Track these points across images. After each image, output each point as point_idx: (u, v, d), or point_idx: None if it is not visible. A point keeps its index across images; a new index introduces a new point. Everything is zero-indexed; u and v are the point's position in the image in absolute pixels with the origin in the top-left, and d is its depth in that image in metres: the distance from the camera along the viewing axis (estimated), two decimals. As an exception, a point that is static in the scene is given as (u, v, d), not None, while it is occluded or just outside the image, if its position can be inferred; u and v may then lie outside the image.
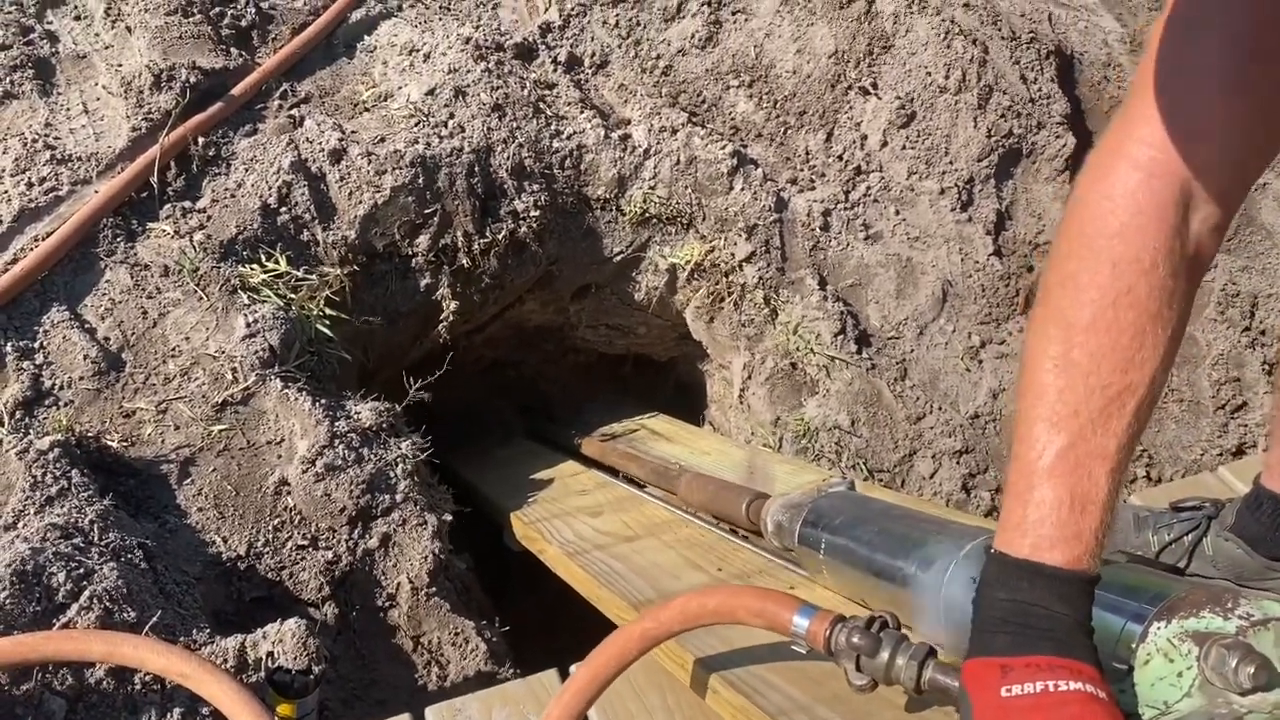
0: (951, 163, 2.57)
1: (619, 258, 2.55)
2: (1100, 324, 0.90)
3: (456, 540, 2.35)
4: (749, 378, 2.53)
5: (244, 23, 2.52)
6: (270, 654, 1.48)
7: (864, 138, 2.61)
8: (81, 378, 1.90)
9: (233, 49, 2.45)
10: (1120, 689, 0.89)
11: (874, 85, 2.62)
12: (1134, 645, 0.91)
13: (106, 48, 2.39)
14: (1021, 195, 2.59)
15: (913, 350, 2.39)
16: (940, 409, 2.29)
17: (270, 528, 1.81)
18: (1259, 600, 0.89)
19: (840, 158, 2.60)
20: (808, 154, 2.61)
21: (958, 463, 2.22)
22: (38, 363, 1.89)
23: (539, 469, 2.45)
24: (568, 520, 1.98)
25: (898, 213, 2.54)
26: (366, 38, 2.64)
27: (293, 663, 1.46)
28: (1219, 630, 0.87)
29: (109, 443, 1.84)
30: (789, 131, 2.63)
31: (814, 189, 2.56)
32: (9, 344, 1.89)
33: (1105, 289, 0.90)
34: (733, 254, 2.47)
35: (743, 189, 2.49)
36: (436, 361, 2.54)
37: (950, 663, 0.97)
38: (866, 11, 2.67)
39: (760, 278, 2.44)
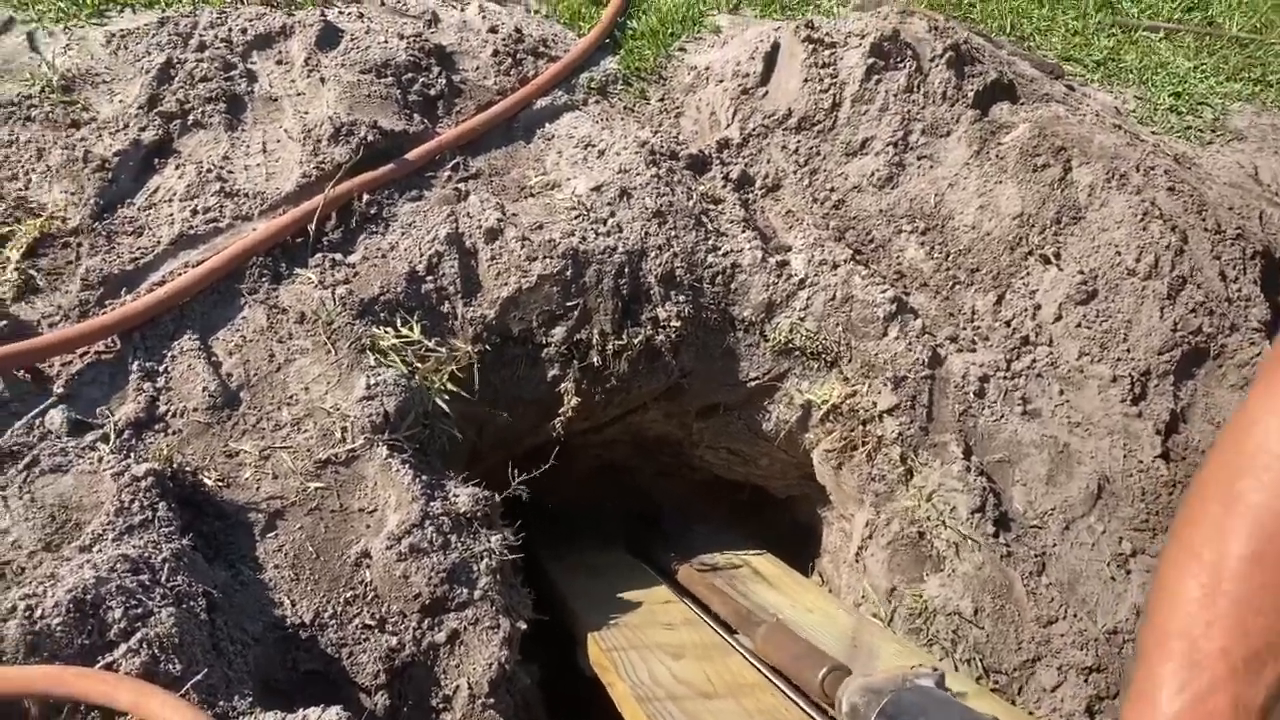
0: (1129, 350, 2.37)
1: (753, 383, 2.44)
2: (1270, 558, 0.78)
3: (529, 646, 2.23)
4: (869, 537, 2.35)
5: (432, 91, 2.57)
6: (301, 744, 1.39)
7: (1037, 307, 2.45)
8: (195, 409, 1.89)
9: (416, 115, 2.49)
10: None
11: (1056, 255, 2.47)
12: None
13: (298, 94, 2.46)
14: (1201, 398, 2.37)
15: (1055, 545, 2.17)
16: (1076, 616, 2.06)
17: (342, 600, 1.73)
18: None
19: (1008, 323, 2.44)
20: (974, 313, 2.46)
21: (1085, 680, 1.98)
22: (158, 386, 1.90)
23: (629, 588, 2.32)
24: (645, 655, 1.84)
25: (1061, 393, 2.35)
26: (547, 125, 2.65)
27: (325, 757, 1.36)
28: None
29: (205, 480, 1.81)
30: (957, 287, 2.49)
31: (974, 351, 2.40)
32: (136, 363, 1.90)
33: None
34: (874, 403, 2.32)
35: (897, 337, 2.35)
36: (548, 454, 2.46)
37: None
38: (1061, 178, 2.53)
39: (900, 433, 2.29)
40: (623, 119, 2.69)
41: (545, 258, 2.20)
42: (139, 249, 2.05)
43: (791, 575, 2.48)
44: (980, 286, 2.48)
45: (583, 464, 2.74)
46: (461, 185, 2.38)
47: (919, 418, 2.29)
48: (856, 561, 2.40)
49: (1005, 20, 3.53)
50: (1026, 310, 2.44)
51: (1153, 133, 3.14)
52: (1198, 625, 0.78)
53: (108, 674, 1.28)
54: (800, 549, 2.77)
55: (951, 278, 2.50)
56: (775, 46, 2.70)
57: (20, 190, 2.12)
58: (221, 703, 1.44)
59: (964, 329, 2.43)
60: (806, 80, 2.64)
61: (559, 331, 2.24)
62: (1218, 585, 0.78)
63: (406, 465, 1.88)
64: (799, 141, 2.64)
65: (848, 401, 2.36)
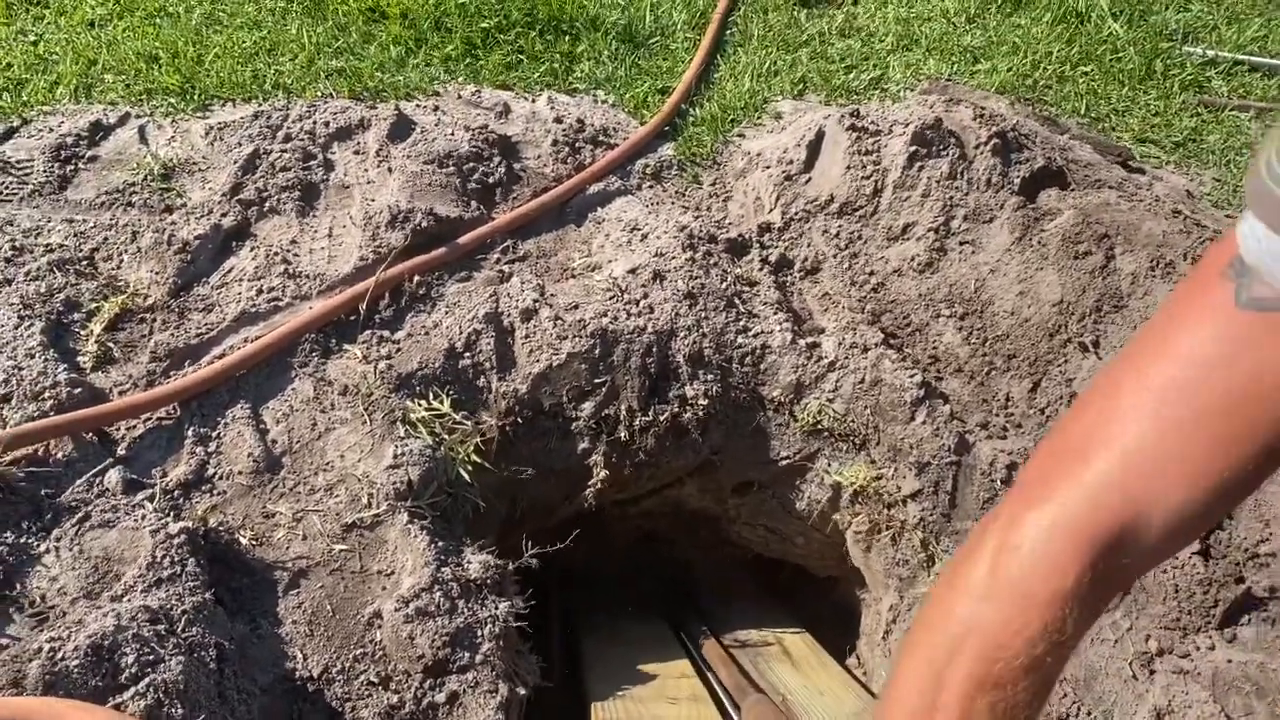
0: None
1: (785, 462, 2.48)
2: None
3: (551, 711, 2.31)
4: (894, 621, 2.35)
5: (491, 180, 2.75)
6: (283, 789, 1.50)
7: (1073, 395, 2.42)
8: (240, 472, 2.07)
9: (473, 201, 2.67)
10: None
11: (1095, 344, 2.44)
12: None
13: (369, 183, 2.67)
14: (1251, 495, 2.28)
15: (1075, 639, 2.13)
16: (1090, 715, 2.01)
17: (351, 657, 1.86)
18: None
19: (1042, 411, 2.42)
20: (1008, 400, 2.45)
21: (1095, 785, 1.93)
22: (209, 450, 2.09)
23: (651, 659, 2.38)
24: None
25: (1094, 482, 2.31)
26: (599, 209, 2.79)
27: (297, 805, 1.47)
28: None
29: (241, 539, 1.98)
30: (992, 373, 2.49)
31: (1005, 438, 2.39)
32: (191, 428, 2.10)
33: None
34: (899, 486, 2.34)
35: (924, 422, 2.37)
36: (589, 521, 2.56)
37: None
38: (1104, 266, 2.50)
39: (922, 518, 2.29)
40: (670, 203, 2.81)
41: (575, 336, 2.32)
42: (206, 325, 2.27)
43: (819, 656, 2.48)
44: (1016, 373, 2.47)
45: (624, 535, 2.82)
46: (507, 267, 2.53)
47: (942, 503, 2.29)
48: (884, 644, 2.40)
49: (1081, 102, 3.50)
50: (1061, 398, 2.41)
51: (1227, 215, 3.06)
52: None
53: (96, 708, 1.43)
54: (841, 630, 2.77)
55: (987, 363, 2.50)
56: (820, 134, 2.78)
57: (113, 269, 2.38)
58: (219, 750, 1.57)
59: (996, 415, 2.42)
60: (849, 167, 2.71)
61: (588, 407, 2.35)
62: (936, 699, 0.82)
63: (424, 532, 2.01)
64: (840, 225, 2.70)
65: (874, 484, 2.38)
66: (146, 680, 1.55)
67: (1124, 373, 0.88)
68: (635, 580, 2.93)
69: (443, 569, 1.95)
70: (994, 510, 0.91)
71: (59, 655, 1.52)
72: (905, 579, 2.33)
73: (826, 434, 2.44)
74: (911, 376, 2.40)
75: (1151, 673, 2.08)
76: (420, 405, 2.18)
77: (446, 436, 2.17)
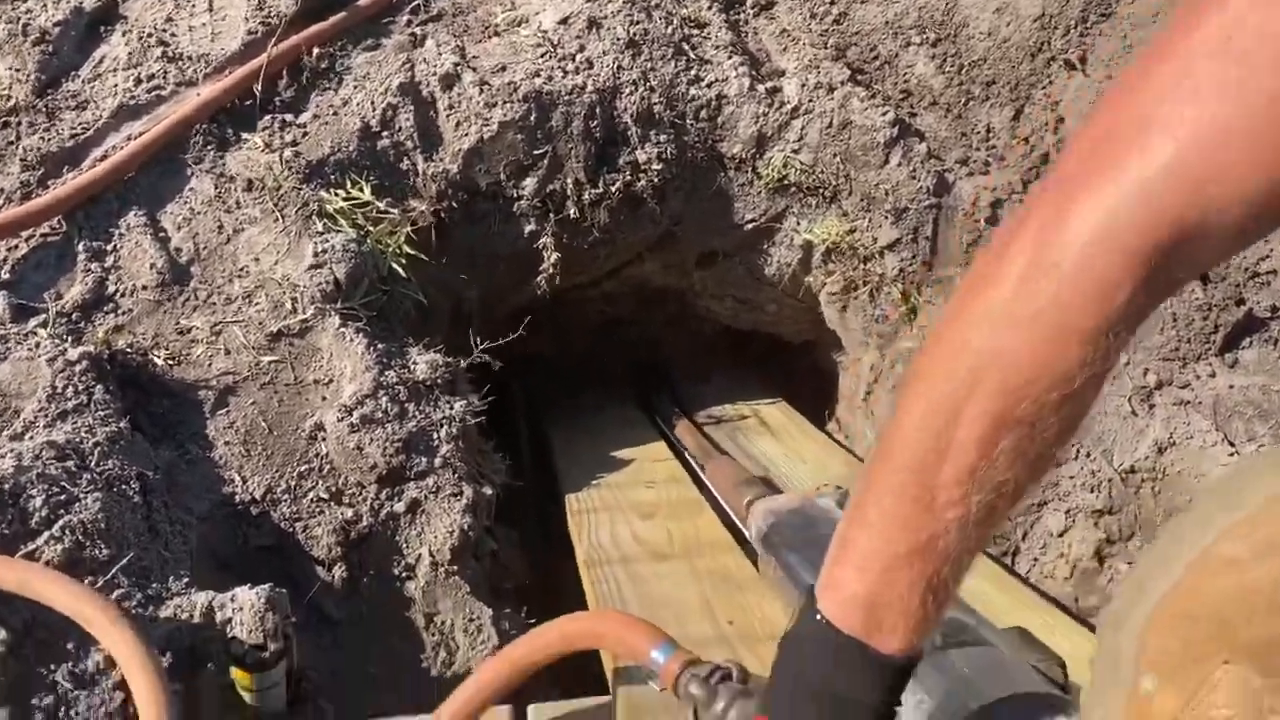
0: (1163, 161, 2.12)
1: (750, 225, 2.28)
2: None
3: (528, 508, 2.20)
4: (875, 381, 2.22)
5: (391, -71, 2.38)
6: (228, 621, 1.37)
7: (1059, 120, 2.20)
8: (145, 287, 1.84)
9: (373, -44, 2.32)
10: None
11: (1082, 60, 2.20)
12: None
13: (249, -55, 2.31)
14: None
15: (1070, 380, 2.01)
16: (1089, 455, 1.91)
17: (295, 474, 1.69)
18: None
19: (1026, 140, 2.21)
20: (988, 132, 2.23)
21: (1096, 524, 1.85)
22: (106, 266, 1.85)
23: (626, 445, 2.25)
24: (615, 517, 1.78)
25: (1085, 214, 2.13)
26: (520, -45, 2.45)
27: (247, 636, 1.34)
28: None
29: (155, 359, 1.77)
30: (970, 104, 2.26)
31: (987, 174, 2.18)
32: (81, 243, 1.85)
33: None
34: (875, 238, 2.15)
35: (899, 164, 2.15)
36: (547, 310, 2.38)
37: None
38: (1089, -32, 2.23)
39: (901, 269, 2.12)
40: (600, -57, 2.47)
41: (505, 103, 2.05)
42: (81, 124, 1.97)
43: (798, 424, 2.37)
44: (996, 101, 2.24)
45: (586, 321, 2.65)
46: (420, 29, 2.22)
47: (922, 251, 2.11)
48: (865, 405, 2.28)
49: None
50: (1047, 125, 2.20)
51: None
52: (953, 466, 0.70)
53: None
54: (821, 395, 2.66)
55: (964, 93, 2.26)
56: None
57: (-37, 71, 2.06)
58: (155, 584, 1.42)
59: (976, 150, 2.21)
60: (800, -120, 2.37)
61: (530, 183, 2.11)
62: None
63: (360, 334, 1.81)
64: (794, -48, 2.39)
65: (848, 239, 2.19)
66: (60, 523, 1.38)
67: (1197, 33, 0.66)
68: (602, 367, 2.78)
69: (386, 372, 1.77)
70: (1019, 216, 0.71)
71: (-47, 506, 1.34)
72: (886, 336, 2.19)
73: (794, 189, 2.22)
74: (883, 115, 2.16)
75: (1151, 407, 1.97)
76: (337, 195, 1.94)
77: (372, 228, 1.94)
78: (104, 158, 1.93)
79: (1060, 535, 1.86)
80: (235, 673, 1.38)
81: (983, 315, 0.69)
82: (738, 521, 1.68)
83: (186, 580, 1.45)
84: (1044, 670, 0.98)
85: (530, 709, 1.22)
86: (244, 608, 1.36)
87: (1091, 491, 1.87)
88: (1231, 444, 1.94)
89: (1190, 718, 0.62)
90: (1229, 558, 0.65)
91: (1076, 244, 0.66)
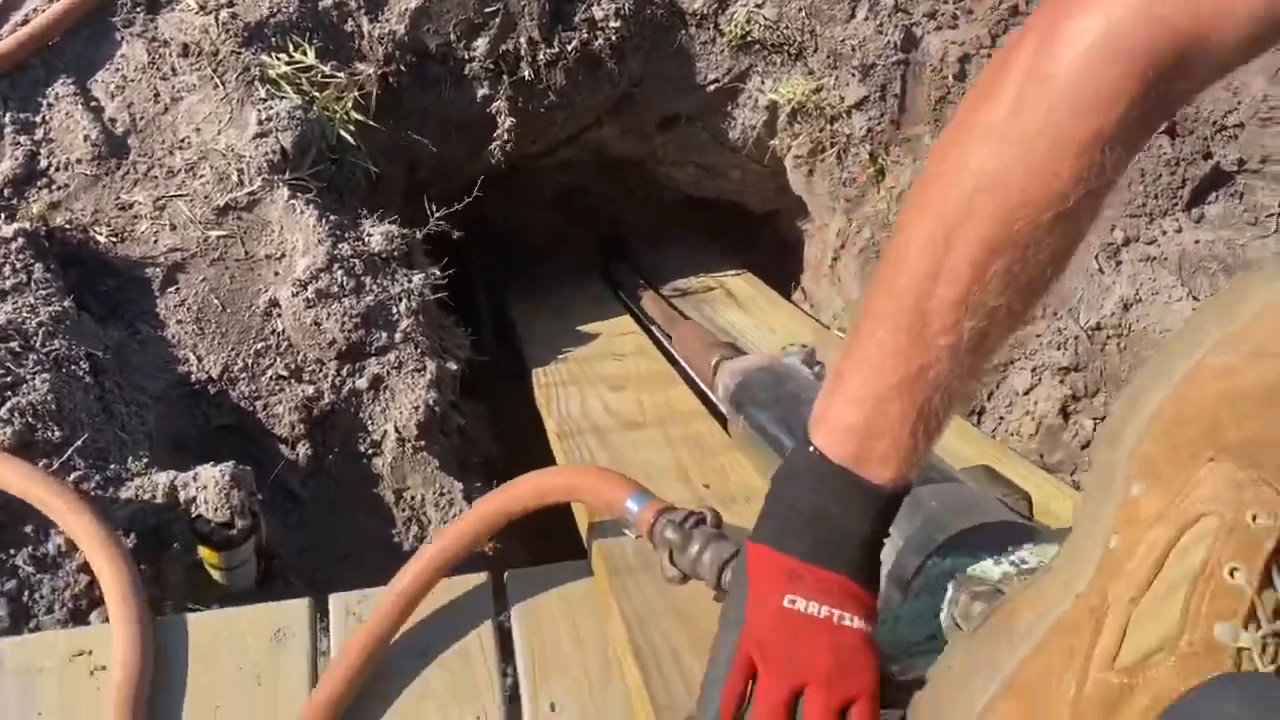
0: (1136, 11, 2.07)
1: (713, 86, 2.20)
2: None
3: (492, 383, 2.17)
4: (842, 246, 2.19)
5: None
6: (192, 500, 1.34)
7: (1031, -33, 2.13)
8: (80, 160, 1.74)
9: None
10: (892, 617, 0.85)
11: (1055, -97, 2.11)
12: (910, 578, 0.86)
13: None
14: (1219, 62, 2.08)
15: (1038, 239, 1.99)
16: (1055, 314, 1.91)
17: (252, 352, 1.64)
18: (1048, 547, 0.83)
19: (996, -9, 2.13)
20: (957, -16, 2.15)
21: (1061, 381, 1.85)
22: (36, 139, 1.75)
23: (590, 319, 2.21)
24: (585, 390, 1.75)
25: (1055, 68, 2.08)
26: None
27: (212, 514, 1.31)
28: (983, 575, 0.82)
29: (97, 236, 1.69)
30: (939, -49, 2.17)
31: (955, 27, 2.11)
32: (8, 115, 1.74)
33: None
34: (842, 97, 2.09)
35: (866, 18, 2.08)
36: (505, 180, 2.30)
37: None
38: None
39: (869, 129, 2.06)
40: None
41: (453, -43, 1.94)
42: (-5, -14, 1.84)
43: (766, 295, 2.34)
44: (965, -50, 2.15)
45: (545, 191, 2.58)
46: (359, -121, 2.08)
47: (890, 110, 2.06)
48: (832, 272, 2.25)
49: None
50: (1018, -27, 2.12)
51: None
52: (946, 295, 0.70)
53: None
54: (786, 266, 2.63)
55: (933, -57, 2.17)
56: None
57: None
58: (113, 465, 1.38)
59: (944, 2, 2.13)
60: None
61: (481, 44, 2.02)
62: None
63: (311, 206, 1.74)
64: None
65: (814, 98, 2.12)
66: (8, 405, 1.33)
67: None
68: (563, 239, 2.72)
69: (340, 245, 1.70)
70: (1017, 34, 0.69)
71: (-111, 392, 1.28)
72: (853, 199, 2.15)
73: (758, 47, 2.15)
74: (850, -34, 2.08)
75: (1118, 263, 1.96)
76: (279, 60, 1.83)
77: (318, 94, 1.84)
78: (24, 23, 1.80)
79: (1026, 393, 1.87)
80: (203, 551, 1.36)
81: (981, 134, 0.67)
82: (703, 386, 1.67)
83: (146, 461, 1.41)
84: (1010, 504, 0.99)
85: (506, 575, 1.21)
86: (208, 485, 1.33)
87: (1058, 349, 1.87)
88: (1196, 299, 1.94)
89: (1174, 513, 0.65)
90: (1221, 366, 0.67)
91: (1074, 54, 0.65)
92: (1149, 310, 1.93)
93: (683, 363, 1.81)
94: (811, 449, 0.77)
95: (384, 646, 1.08)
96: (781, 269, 2.64)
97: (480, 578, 1.22)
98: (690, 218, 2.77)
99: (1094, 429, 1.85)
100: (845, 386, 0.75)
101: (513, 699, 1.11)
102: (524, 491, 1.13)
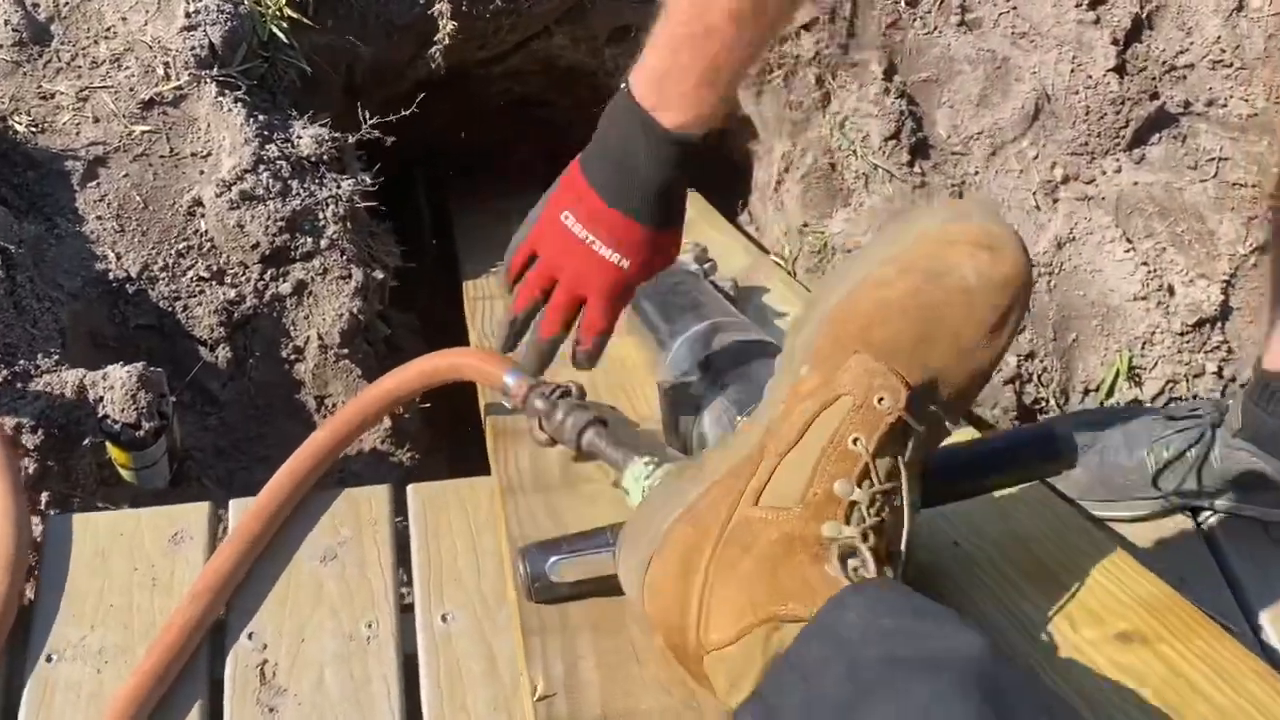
0: (1094, -58, 2.04)
1: (664, -1, 2.15)
2: None
3: (432, 293, 2.16)
4: (785, 170, 2.18)
5: None
6: (100, 400, 1.33)
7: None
8: (1, 46, 1.69)
9: None
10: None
11: None
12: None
13: None
14: (1173, 1, 2.06)
15: (978, 173, 1.99)
16: (988, 249, 1.92)
17: (174, 252, 1.63)
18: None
19: (955, -87, 2.09)
20: (917, -96, 2.10)
21: (989, 317, 1.87)
22: (-49, 20, 1.69)
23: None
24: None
25: (1009, -2, 2.06)
26: None
27: (119, 414, 1.31)
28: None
29: (16, 125, 1.65)
30: None
31: (911, -49, 2.07)
32: (-78, -6, 1.68)
33: None
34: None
35: (821, -64, 2.03)
36: (450, 86, 2.26)
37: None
38: None
39: (817, 53, 2.04)
40: None
41: None
42: None
43: (706, 215, 2.32)
44: None
45: (491, 100, 2.53)
46: None
47: (839, 33, 2.02)
48: (775, 195, 2.24)
49: None
50: (975, -102, 2.08)
51: None
52: None
53: None
54: (735, 187, 2.60)
55: None
56: None
57: None
58: (22, 362, 1.38)
59: (903, -76, 2.09)
60: None
61: (425, -59, 1.96)
62: None
63: (240, 104, 1.70)
64: None
65: (765, 17, 2.08)
66: (-91, 297, 1.31)
67: None
68: (509, 150, 2.67)
69: (267, 146, 1.67)
70: None
71: None
72: (798, 123, 2.13)
73: (710, -40, 2.09)
74: (807, -119, 2.02)
75: (1055, 201, 1.97)
76: (210, -52, 1.77)
77: (249, -14, 1.79)
78: (-59, -104, 1.73)
79: (953, 327, 1.89)
80: (112, 451, 1.36)
81: None
82: None
83: (57, 358, 1.41)
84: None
85: (409, 489, 1.23)
86: (115, 386, 1.33)
87: (987, 285, 1.89)
88: (1130, 240, 1.96)
89: (823, 391, 0.81)
90: (879, 278, 0.83)
91: None
92: (1081, 250, 1.95)
93: None
94: (624, 87, 0.95)
95: (270, 530, 1.12)
96: (730, 190, 2.62)
97: (382, 490, 1.24)
98: (641, 133, 2.73)
99: (1017, 365, 1.88)
100: (654, 39, 0.92)
101: (407, 609, 1.14)
102: (411, 374, 1.29)
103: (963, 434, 1.34)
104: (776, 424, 0.83)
